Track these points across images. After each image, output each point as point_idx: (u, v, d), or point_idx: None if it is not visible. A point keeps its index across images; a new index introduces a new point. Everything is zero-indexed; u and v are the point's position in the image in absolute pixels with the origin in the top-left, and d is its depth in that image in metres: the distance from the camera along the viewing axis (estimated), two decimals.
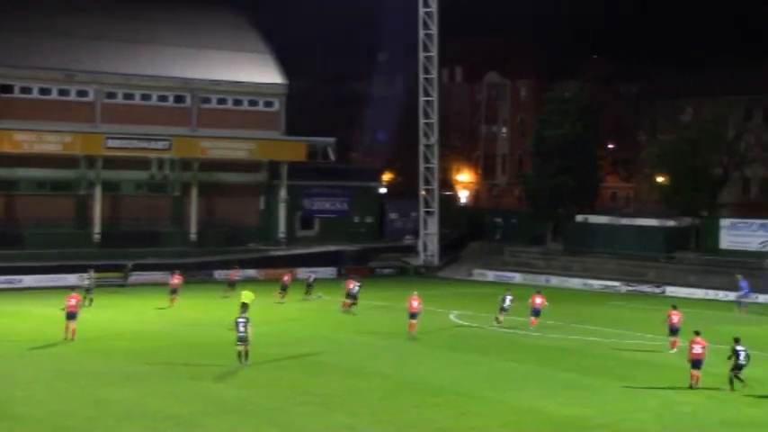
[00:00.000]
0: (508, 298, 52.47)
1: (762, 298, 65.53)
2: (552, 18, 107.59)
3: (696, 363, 37.17)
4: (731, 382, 36.69)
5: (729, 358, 37.00)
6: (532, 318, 51.67)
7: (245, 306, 42.68)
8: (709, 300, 67.81)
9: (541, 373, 40.11)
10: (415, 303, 49.01)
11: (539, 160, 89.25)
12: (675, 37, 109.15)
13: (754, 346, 42.00)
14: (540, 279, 78.25)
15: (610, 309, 63.02)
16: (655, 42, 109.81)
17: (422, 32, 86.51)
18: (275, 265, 77.11)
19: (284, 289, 62.37)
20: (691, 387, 36.95)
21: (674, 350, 44.73)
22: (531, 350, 45.65)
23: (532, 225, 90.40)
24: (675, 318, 46.03)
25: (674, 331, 45.83)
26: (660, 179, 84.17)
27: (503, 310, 52.46)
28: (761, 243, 74.64)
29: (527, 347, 46.44)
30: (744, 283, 62.23)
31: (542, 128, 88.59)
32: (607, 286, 73.96)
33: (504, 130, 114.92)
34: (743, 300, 61.39)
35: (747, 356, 36.84)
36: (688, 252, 79.32)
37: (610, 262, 79.54)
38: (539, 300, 52.09)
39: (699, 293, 69.14)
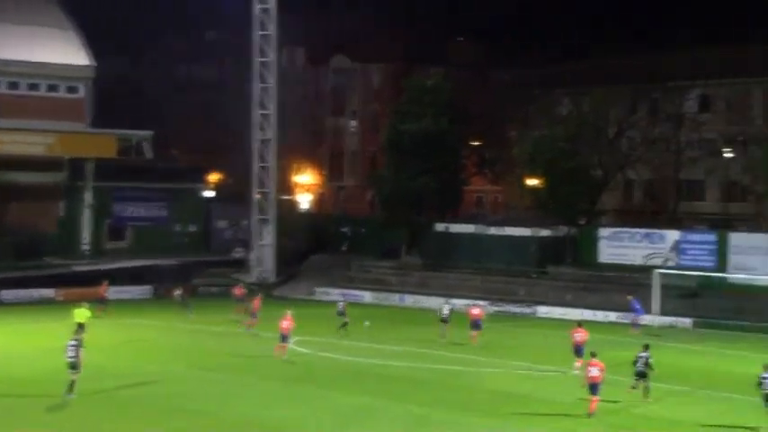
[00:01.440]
0: (446, 308, 57.95)
1: (648, 318, 67.12)
2: None
3: (594, 387, 38.77)
4: (645, 390, 40.16)
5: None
6: (473, 332, 56.22)
7: (80, 327, 41.92)
8: (586, 321, 69.06)
9: (392, 408, 40.25)
10: (285, 324, 50.55)
11: (394, 159, 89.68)
12: (552, 20, 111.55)
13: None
14: (393, 298, 78.80)
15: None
16: (529, 25, 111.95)
17: (257, 7, 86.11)
18: (77, 282, 75.29)
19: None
20: (590, 414, 38.47)
21: (577, 371, 46.38)
22: (381, 381, 45.86)
23: (385, 235, 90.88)
24: (578, 336, 48.46)
25: (578, 352, 47.84)
26: (533, 181, 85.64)
27: (443, 321, 56.96)
28: (645, 256, 76.73)
29: (376, 378, 46.63)
30: (636, 304, 64.13)
31: (399, 121, 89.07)
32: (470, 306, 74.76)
33: (353, 123, 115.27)
34: (636, 321, 63.38)
35: (647, 364, 39.92)
36: (563, 266, 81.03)
37: (474, 278, 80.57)
38: (476, 311, 57.22)
39: (574, 314, 70.43)
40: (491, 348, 55.92)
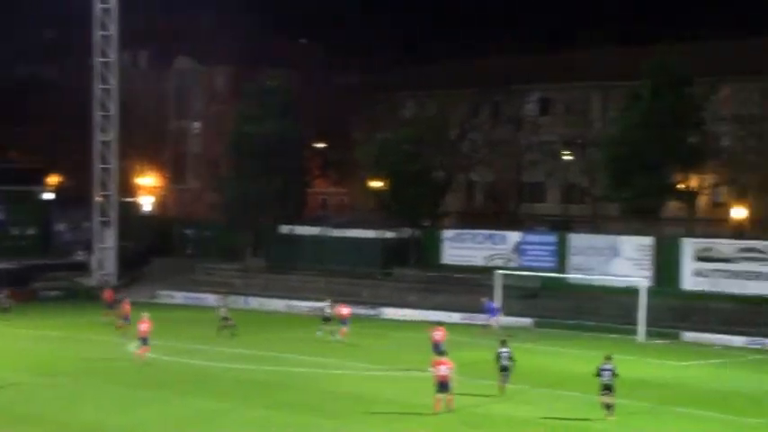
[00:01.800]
0: (326, 304, 61.51)
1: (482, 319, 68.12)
2: None
3: (443, 385, 39.36)
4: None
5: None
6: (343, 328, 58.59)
7: None
8: (431, 322, 69.81)
9: (238, 411, 40.19)
10: (143, 327, 50.87)
11: (238, 161, 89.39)
12: (396, 22, 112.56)
13: (481, 371, 44.14)
14: (239, 301, 78.39)
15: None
16: (372, 29, 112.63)
17: (98, 6, 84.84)
18: None
19: None
20: (438, 412, 39.03)
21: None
22: (230, 384, 45.74)
23: (230, 238, 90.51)
24: (438, 335, 50.30)
25: (436, 349, 49.02)
26: (377, 184, 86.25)
27: (326, 320, 60.05)
28: (487, 257, 77.94)
29: (222, 381, 46.51)
30: (491, 305, 65.12)
31: (242, 123, 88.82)
32: (315, 308, 74.80)
33: (196, 125, 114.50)
34: (493, 321, 64.43)
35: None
36: (407, 268, 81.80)
37: (318, 280, 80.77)
38: (345, 311, 60.25)
39: (418, 315, 71.23)
40: (338, 350, 56.21)
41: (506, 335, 49.57)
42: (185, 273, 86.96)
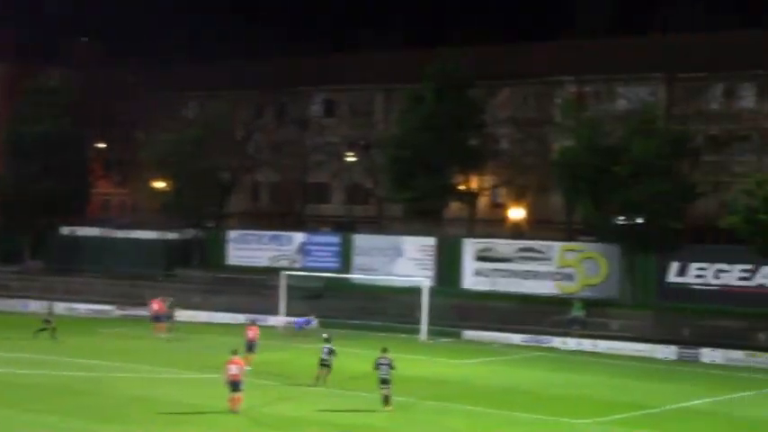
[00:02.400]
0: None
1: (272, 320, 68.24)
2: None
3: (234, 384, 39.41)
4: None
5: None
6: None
7: None
8: (215, 324, 69.63)
9: (21, 417, 39.08)
10: None
11: (15, 161, 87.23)
12: (178, 23, 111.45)
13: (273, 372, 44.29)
14: (16, 304, 76.47)
15: (100, 338, 62.86)
16: (155, 28, 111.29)
17: None
18: None
19: None
20: (232, 411, 39.07)
21: (249, 367, 47.24)
22: (11, 390, 44.24)
23: (8, 239, 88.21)
24: (251, 333, 51.09)
25: (250, 347, 50.32)
26: (161, 184, 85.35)
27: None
28: (272, 258, 78.10)
29: (6, 387, 45.05)
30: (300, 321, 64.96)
31: (18, 123, 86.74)
32: (97, 311, 73.74)
33: None
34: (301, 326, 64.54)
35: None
36: (191, 269, 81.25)
37: (100, 282, 79.50)
38: (156, 305, 62.45)
39: (203, 316, 70.84)
40: (121, 353, 55.41)
41: (305, 334, 50.15)
42: None
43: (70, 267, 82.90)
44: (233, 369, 39.82)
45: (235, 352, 40.59)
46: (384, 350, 41.85)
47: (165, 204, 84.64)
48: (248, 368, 47.91)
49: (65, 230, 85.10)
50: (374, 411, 40.57)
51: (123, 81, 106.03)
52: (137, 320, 71.31)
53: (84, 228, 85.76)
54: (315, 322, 64.06)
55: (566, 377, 51.98)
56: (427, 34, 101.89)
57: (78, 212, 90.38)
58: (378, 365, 41.14)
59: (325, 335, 47.66)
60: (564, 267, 69.52)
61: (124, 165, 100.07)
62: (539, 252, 70.53)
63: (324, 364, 45.30)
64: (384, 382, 40.86)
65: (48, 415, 39.45)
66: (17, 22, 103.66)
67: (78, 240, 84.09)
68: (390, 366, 41.05)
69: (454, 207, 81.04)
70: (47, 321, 60.56)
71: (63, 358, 53.21)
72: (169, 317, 64.15)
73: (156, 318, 63.72)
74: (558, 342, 62.66)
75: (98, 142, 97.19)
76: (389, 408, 40.64)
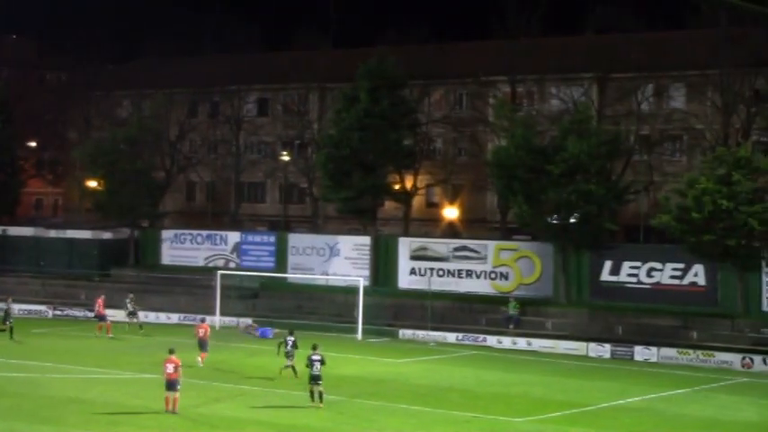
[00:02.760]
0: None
1: (208, 320, 68.06)
2: None
3: (171, 384, 39.33)
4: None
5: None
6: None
7: None
8: (150, 323, 69.26)
9: None
10: None
11: None
12: (111, 20, 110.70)
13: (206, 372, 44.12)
14: None
15: (33, 338, 62.29)
16: (86, 25, 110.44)
17: None
18: None
19: None
20: (168, 411, 39.04)
21: (201, 364, 49.81)
22: None
23: None
24: (202, 331, 51.85)
25: (202, 345, 51.32)
26: (94, 183, 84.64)
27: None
28: (207, 258, 77.93)
29: None
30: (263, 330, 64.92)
31: None
32: (31, 311, 73.03)
33: None
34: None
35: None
36: (126, 269, 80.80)
37: (34, 282, 78.81)
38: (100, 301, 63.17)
39: (139, 316, 70.34)
40: (56, 354, 55.06)
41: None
42: None
43: (2, 267, 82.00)
44: (169, 368, 39.70)
45: (171, 351, 40.31)
46: (314, 347, 42.18)
47: (98, 204, 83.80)
48: (201, 365, 49.18)
49: None
50: (310, 409, 40.66)
51: (55, 79, 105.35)
52: (71, 321, 70.87)
53: (16, 227, 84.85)
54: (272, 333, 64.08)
55: (501, 375, 52.38)
56: (361, 33, 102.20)
57: (9, 212, 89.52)
58: (310, 363, 41.34)
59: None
60: (499, 266, 69.98)
61: (56, 164, 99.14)
62: (474, 251, 70.92)
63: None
64: (316, 378, 41.14)
65: None
66: None
67: (10, 240, 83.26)
68: (322, 362, 41.36)
69: (389, 206, 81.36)
70: (4, 320, 59.79)
71: (5, 360, 52.74)
72: (133, 313, 64.64)
73: (101, 317, 63.49)
74: (493, 341, 63.06)
75: (29, 141, 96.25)
76: (321, 405, 40.89)
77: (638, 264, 66.18)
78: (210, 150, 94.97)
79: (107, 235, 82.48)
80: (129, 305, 65.30)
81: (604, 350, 60.26)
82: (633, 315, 64.55)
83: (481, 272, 70.34)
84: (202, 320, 54.95)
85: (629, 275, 66.32)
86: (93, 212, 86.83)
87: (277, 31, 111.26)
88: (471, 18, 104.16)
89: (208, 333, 52.25)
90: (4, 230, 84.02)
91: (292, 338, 48.05)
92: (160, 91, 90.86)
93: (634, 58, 74.84)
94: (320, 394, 41.12)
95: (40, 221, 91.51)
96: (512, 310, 65.63)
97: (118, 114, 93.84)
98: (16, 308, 67.65)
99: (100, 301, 64.35)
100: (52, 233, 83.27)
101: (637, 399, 46.66)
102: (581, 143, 64.15)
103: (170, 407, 39.24)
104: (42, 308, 73.64)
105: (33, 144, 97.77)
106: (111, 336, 62.05)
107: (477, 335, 64.16)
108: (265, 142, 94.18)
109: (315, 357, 41.44)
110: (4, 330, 59.66)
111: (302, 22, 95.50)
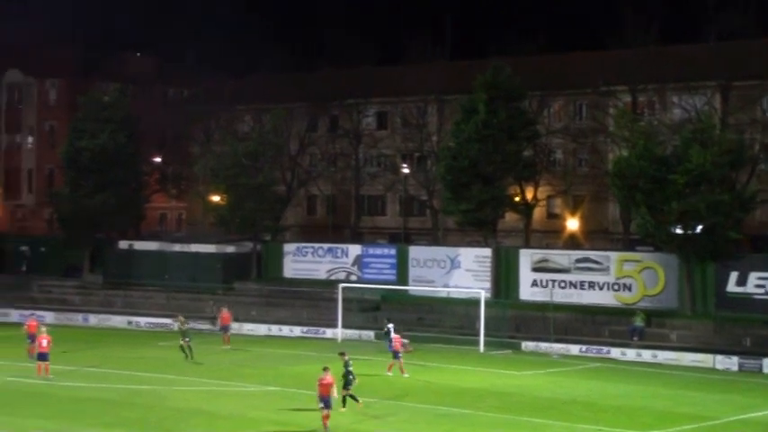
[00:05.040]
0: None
1: (330, 333, 68.57)
2: (91, 8, 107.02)
3: (325, 402, 39.05)
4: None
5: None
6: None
7: None
8: (273, 336, 70.09)
9: (72, 430, 39.63)
10: (44, 342, 51.72)
11: (73, 176, 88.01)
12: (232, 36, 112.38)
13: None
14: (77, 318, 77.31)
15: (160, 350, 63.30)
16: (207, 42, 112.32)
17: None
18: None
19: None
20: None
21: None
22: (65, 403, 45.02)
23: (66, 254, 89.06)
24: (397, 342, 53.56)
25: (396, 356, 52.87)
26: (216, 198, 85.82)
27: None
28: (329, 271, 78.39)
29: (59, 400, 45.70)
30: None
31: (76, 138, 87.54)
32: (156, 324, 74.25)
33: (30, 139, 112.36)
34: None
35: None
36: (249, 282, 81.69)
37: (159, 296, 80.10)
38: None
39: (262, 329, 71.31)
40: (180, 366, 55.86)
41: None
42: (21, 290, 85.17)
43: (128, 281, 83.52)
44: (325, 378, 39.44)
45: (326, 368, 40.02)
46: (342, 353, 43.87)
47: (221, 218, 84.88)
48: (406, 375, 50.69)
49: (123, 244, 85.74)
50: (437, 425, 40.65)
51: (177, 95, 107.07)
52: (196, 334, 71.69)
53: (142, 242, 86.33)
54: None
55: (625, 388, 51.76)
56: (478, 44, 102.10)
57: (135, 226, 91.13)
58: (347, 369, 42.86)
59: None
60: (622, 278, 69.22)
61: (179, 179, 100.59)
62: (596, 263, 70.27)
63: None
64: (351, 384, 42.69)
65: (111, 429, 39.90)
66: (73, 38, 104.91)
67: (136, 254, 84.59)
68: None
69: (510, 218, 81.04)
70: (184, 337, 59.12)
71: (124, 371, 53.70)
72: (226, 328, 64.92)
73: (224, 328, 64.36)
74: (617, 353, 62.33)
75: (154, 156, 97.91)
76: (344, 409, 41.99)
77: (766, 275, 64.92)
78: (330, 164, 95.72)
79: (230, 249, 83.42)
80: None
81: (732, 362, 59.09)
82: (761, 327, 63.32)
83: (604, 283, 69.65)
84: (395, 331, 56.11)
85: (757, 286, 65.04)
86: (216, 226, 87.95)
87: (393, 43, 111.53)
88: (587, 28, 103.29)
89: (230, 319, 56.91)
90: (130, 245, 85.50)
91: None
92: (280, 105, 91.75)
93: (757, 65, 73.50)
94: (355, 398, 42.69)
95: (164, 236, 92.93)
96: (638, 321, 64.75)
97: (238, 129, 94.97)
98: (143, 321, 68.99)
99: (224, 313, 65.06)
100: (177, 247, 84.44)
101: (765, 413, 45.67)
102: (705, 152, 63.18)
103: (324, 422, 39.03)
104: (168, 321, 74.55)
105: (157, 159, 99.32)
106: (229, 346, 62.76)
107: (600, 347, 63.48)
108: (385, 155, 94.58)
109: (349, 363, 43.00)
110: (184, 348, 58.67)
111: (418, 35, 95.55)
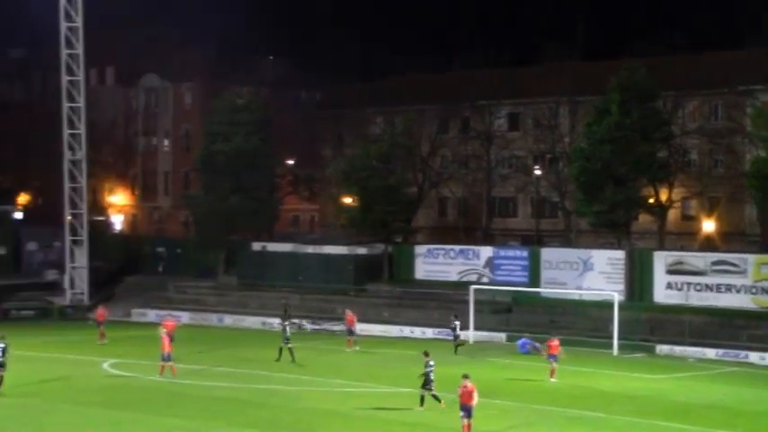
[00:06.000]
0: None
1: (462, 335, 68.40)
2: (221, 12, 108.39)
3: (466, 409, 38.11)
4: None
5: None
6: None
7: None
8: (404, 338, 70.22)
9: (208, 429, 40.14)
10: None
11: (208, 179, 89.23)
12: (363, 38, 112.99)
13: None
14: (212, 318, 78.47)
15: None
16: (339, 44, 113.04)
17: (64, 25, 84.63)
18: None
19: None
20: None
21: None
22: (200, 402, 45.62)
23: (201, 255, 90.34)
24: (555, 346, 52.18)
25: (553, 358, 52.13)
26: (348, 200, 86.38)
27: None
28: (460, 272, 78.18)
29: (195, 400, 46.33)
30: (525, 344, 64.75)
31: (211, 141, 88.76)
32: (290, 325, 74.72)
33: (165, 142, 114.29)
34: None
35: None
36: (381, 283, 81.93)
37: (292, 297, 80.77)
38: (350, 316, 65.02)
39: (394, 331, 71.51)
40: (312, 367, 56.24)
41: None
42: (157, 291, 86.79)
43: (261, 282, 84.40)
44: (466, 386, 37.96)
45: (466, 376, 38.64)
46: (426, 353, 43.66)
47: (352, 220, 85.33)
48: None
49: (256, 246, 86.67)
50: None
51: (309, 98, 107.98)
52: (328, 334, 72.29)
53: (275, 243, 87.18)
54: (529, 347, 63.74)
55: (764, 393, 50.60)
56: (609, 45, 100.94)
57: (268, 228, 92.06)
58: (427, 369, 42.99)
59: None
60: (760, 281, 67.69)
61: (311, 181, 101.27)
62: (733, 265, 68.84)
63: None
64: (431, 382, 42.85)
65: (245, 428, 40.30)
66: (210, 41, 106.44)
67: (269, 256, 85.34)
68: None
69: (644, 220, 79.98)
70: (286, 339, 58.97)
71: (258, 372, 54.25)
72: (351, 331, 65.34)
73: (350, 331, 64.73)
74: (755, 357, 61.07)
75: (286, 159, 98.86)
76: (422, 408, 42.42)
77: None
78: (462, 165, 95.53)
79: (362, 250, 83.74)
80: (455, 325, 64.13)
81: None
82: None
83: (741, 286, 68.20)
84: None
85: None
86: (348, 228, 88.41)
87: (524, 45, 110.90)
88: (721, 27, 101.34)
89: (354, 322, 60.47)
90: (263, 247, 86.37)
91: (432, 364, 43.92)
92: (411, 107, 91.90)
93: None
94: (437, 397, 42.66)
95: (297, 237, 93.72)
96: None
97: (370, 131, 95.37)
98: (276, 322, 69.47)
99: (349, 315, 65.34)
100: (309, 249, 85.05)
101: None
102: None
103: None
104: (301, 322, 75.18)
105: (290, 162, 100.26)
106: (356, 348, 63.00)
107: (738, 351, 62.23)
108: (516, 156, 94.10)
109: (430, 363, 43.11)
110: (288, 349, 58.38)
111: (549, 36, 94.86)
